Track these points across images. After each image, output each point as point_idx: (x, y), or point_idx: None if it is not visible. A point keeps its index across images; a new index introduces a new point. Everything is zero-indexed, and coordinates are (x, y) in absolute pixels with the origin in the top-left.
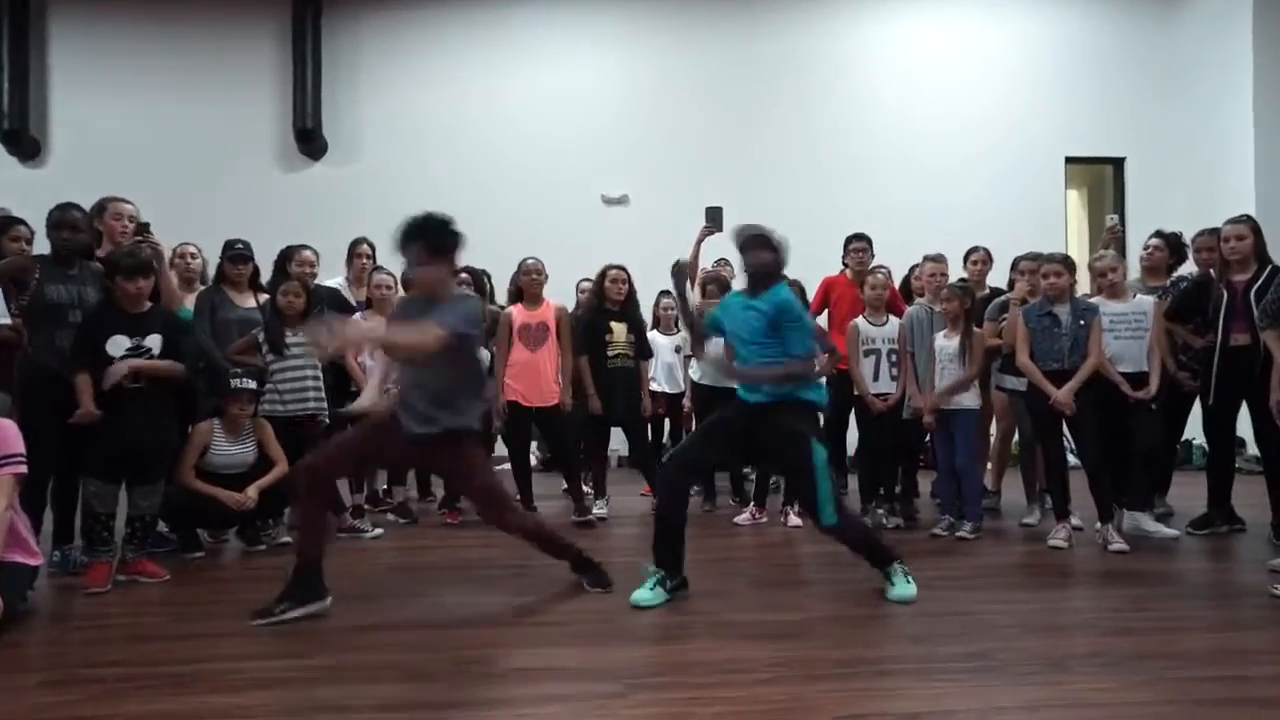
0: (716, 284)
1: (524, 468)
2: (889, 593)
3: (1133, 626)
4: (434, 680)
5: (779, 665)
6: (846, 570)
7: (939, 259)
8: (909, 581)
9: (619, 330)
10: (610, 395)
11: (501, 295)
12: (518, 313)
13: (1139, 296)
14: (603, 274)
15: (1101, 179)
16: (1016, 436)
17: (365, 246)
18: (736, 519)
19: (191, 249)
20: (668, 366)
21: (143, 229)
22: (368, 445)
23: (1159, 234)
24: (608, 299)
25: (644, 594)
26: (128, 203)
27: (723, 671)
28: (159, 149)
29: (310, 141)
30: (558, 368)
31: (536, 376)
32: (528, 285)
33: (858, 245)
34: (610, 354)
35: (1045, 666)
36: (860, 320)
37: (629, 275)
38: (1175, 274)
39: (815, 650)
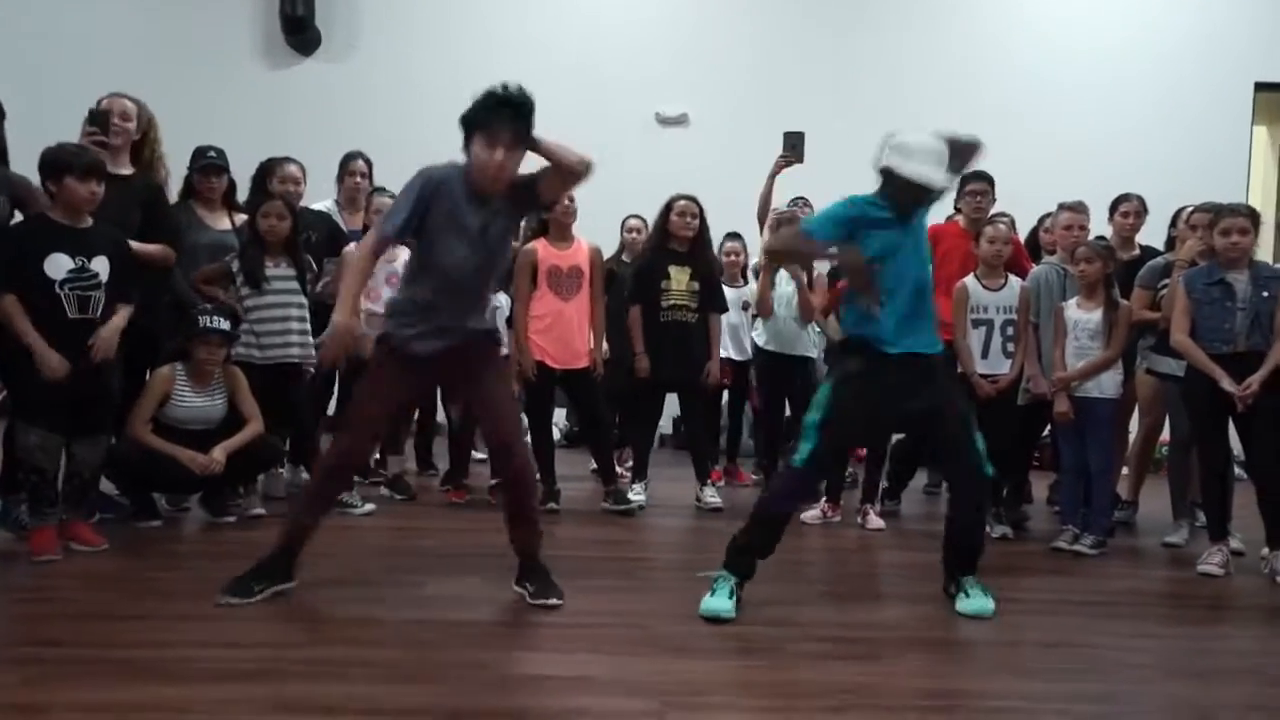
0: (791, 225)
1: (547, 443)
2: (963, 604)
3: None
4: (430, 683)
5: (849, 692)
6: (937, 584)
7: (1078, 208)
8: (986, 594)
9: (678, 276)
10: (659, 354)
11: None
12: (544, 251)
13: None
14: (668, 206)
15: None
16: (1166, 434)
17: (360, 163)
18: (804, 515)
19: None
20: (733, 328)
21: (100, 118)
22: (391, 402)
23: None
24: (673, 236)
25: (723, 603)
26: (124, 96)
27: (782, 695)
28: (122, 40)
29: (300, 33)
30: (589, 321)
31: (567, 332)
32: (556, 216)
33: (976, 187)
34: (664, 304)
35: (1189, 718)
36: (970, 280)
37: (702, 209)
38: None
39: (895, 678)
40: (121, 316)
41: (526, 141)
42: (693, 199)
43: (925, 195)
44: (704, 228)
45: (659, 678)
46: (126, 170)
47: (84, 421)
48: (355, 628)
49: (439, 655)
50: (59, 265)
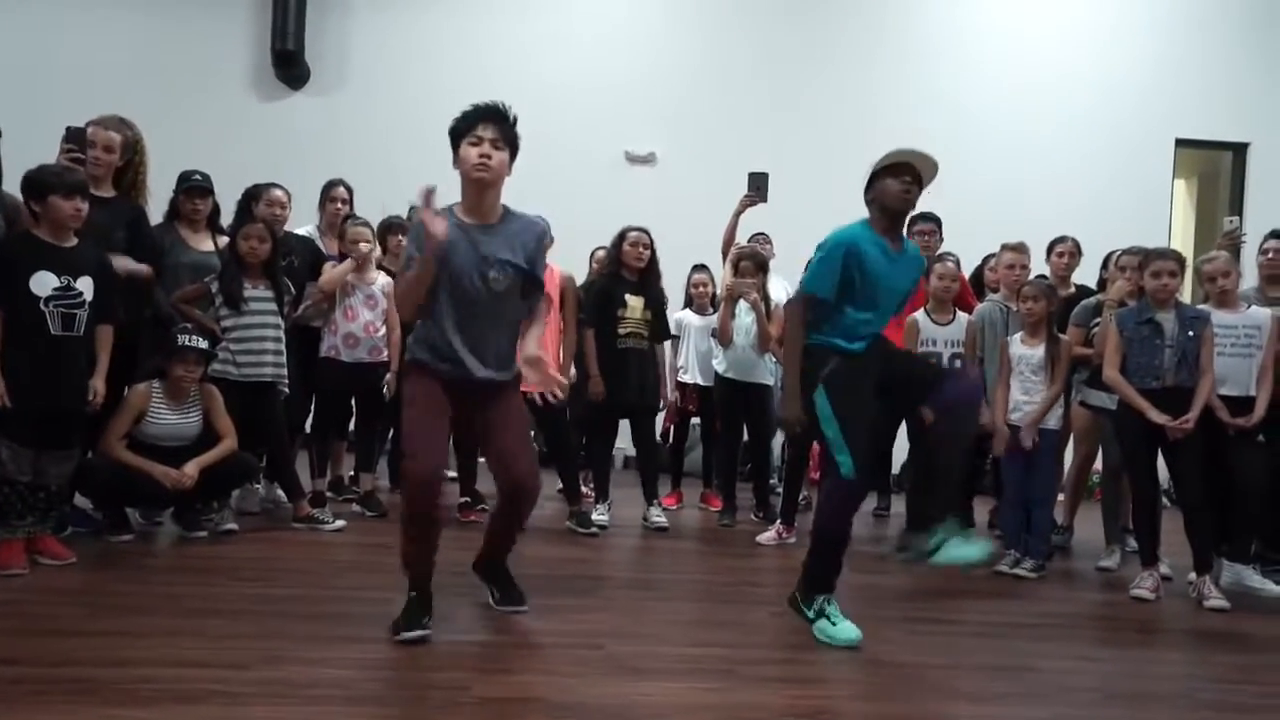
0: (753, 261)
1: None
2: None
3: (1238, 701)
4: (388, 706)
5: (802, 718)
6: (889, 606)
7: (1020, 249)
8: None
9: (634, 304)
10: (619, 379)
11: None
12: None
13: (1253, 308)
14: (621, 236)
15: (1216, 168)
16: (1098, 464)
17: (341, 190)
18: (760, 537)
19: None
20: (702, 355)
21: (75, 135)
22: (446, 419)
23: (1276, 233)
24: (625, 266)
25: (852, 630)
26: (106, 128)
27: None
28: (115, 70)
29: (290, 67)
30: (559, 347)
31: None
32: None
33: (923, 227)
34: (621, 331)
35: None
36: (920, 315)
37: (652, 240)
38: None
39: (847, 701)
40: (104, 359)
41: (510, 142)
42: (644, 230)
43: (902, 199)
44: (654, 257)
45: (612, 701)
46: (109, 193)
47: (54, 436)
48: (313, 646)
49: (395, 676)
50: (44, 283)
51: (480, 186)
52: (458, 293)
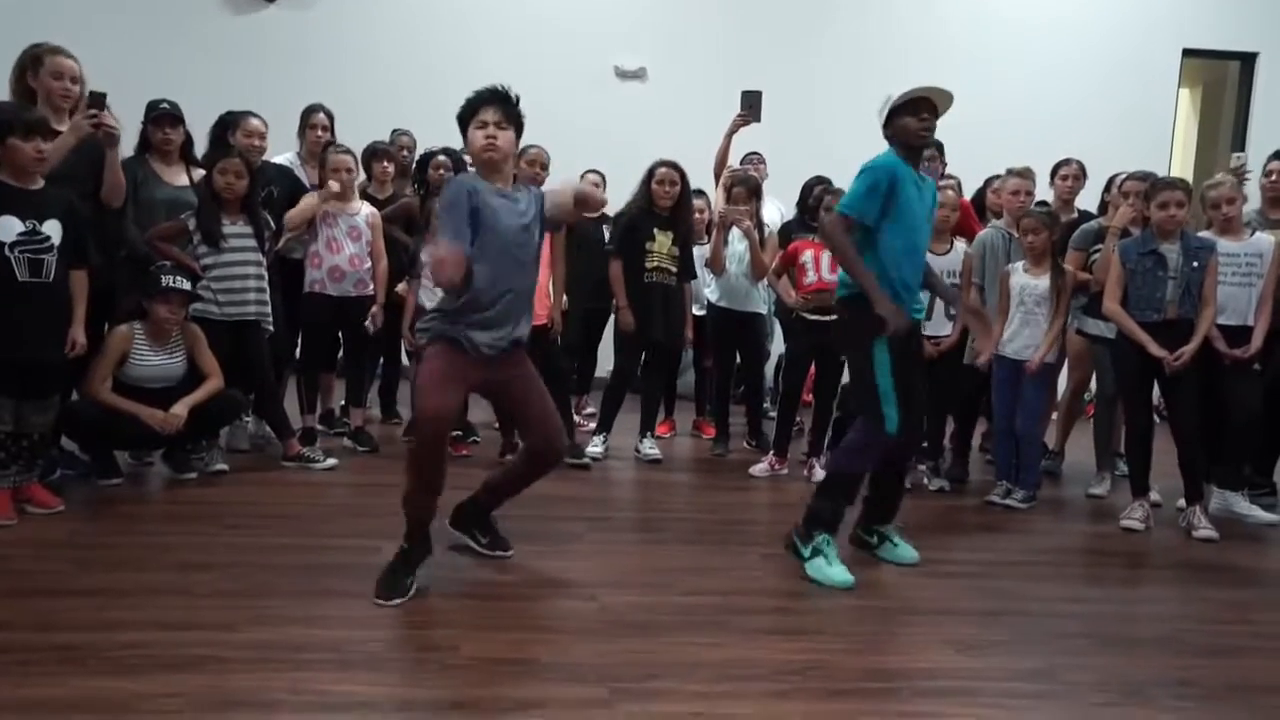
0: (745, 187)
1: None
2: (891, 553)
3: (1228, 645)
4: (379, 672)
5: (794, 674)
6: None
7: (1026, 174)
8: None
9: (662, 240)
10: (645, 313)
11: None
12: None
13: (1257, 234)
14: (650, 173)
15: (1223, 77)
16: (1092, 389)
17: (321, 116)
18: (752, 469)
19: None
20: (695, 282)
21: (97, 100)
22: (464, 384)
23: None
24: (655, 203)
25: (843, 572)
26: (69, 57)
27: (728, 679)
28: None
29: None
30: (550, 276)
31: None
32: (524, 176)
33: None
34: (648, 265)
35: (1122, 695)
36: None
37: (683, 175)
38: None
39: (840, 655)
40: (81, 308)
41: (514, 120)
42: (674, 165)
43: (920, 136)
44: (685, 192)
45: (606, 659)
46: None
47: (31, 385)
48: (303, 604)
49: (384, 635)
50: (9, 228)
51: (491, 165)
52: (505, 252)
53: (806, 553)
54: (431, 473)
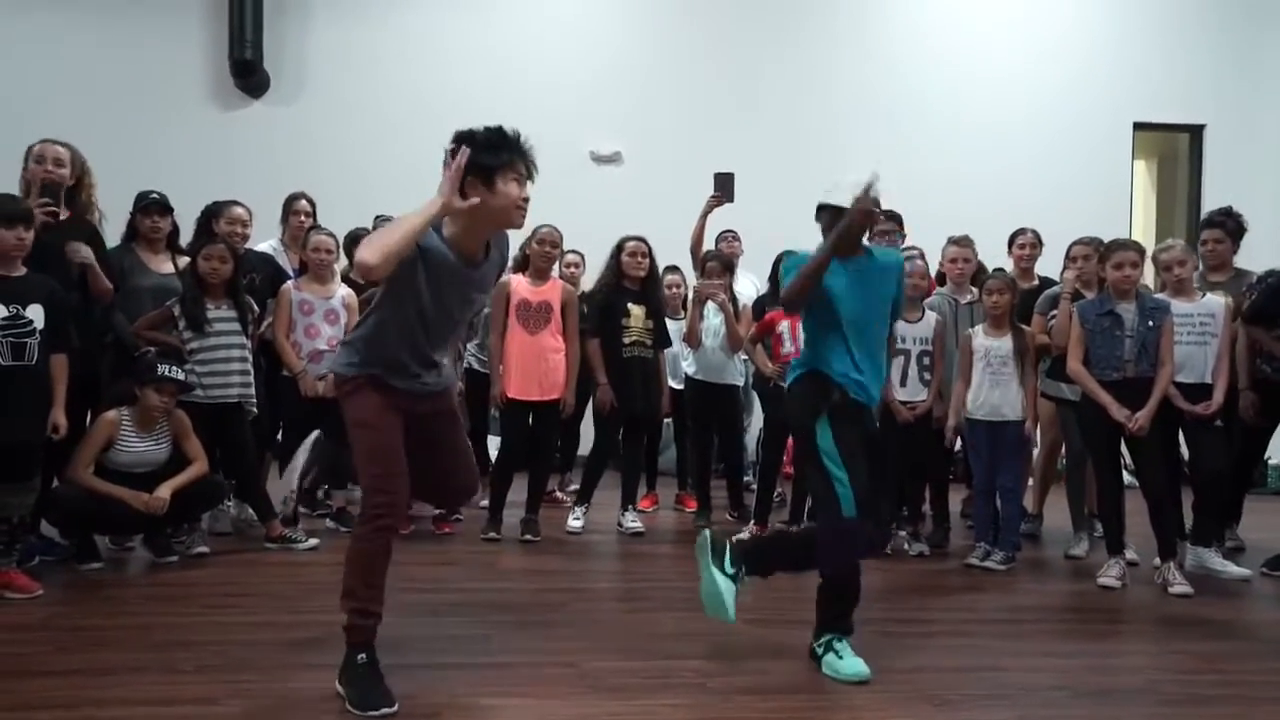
0: (719, 262)
1: (507, 475)
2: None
3: (1203, 694)
4: None
5: None
6: (862, 607)
7: (963, 242)
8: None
9: (637, 313)
10: (626, 388)
11: None
12: (518, 285)
13: (1208, 296)
14: (619, 247)
15: (1175, 149)
16: (1063, 452)
17: (304, 203)
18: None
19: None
20: (673, 357)
21: (52, 189)
22: (403, 439)
23: (1210, 221)
24: (625, 277)
25: (860, 665)
26: (56, 143)
27: None
28: (68, 82)
29: (249, 75)
30: (563, 356)
31: (539, 364)
32: (538, 257)
33: (884, 226)
34: (626, 340)
35: None
36: None
37: (650, 249)
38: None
39: (816, 712)
40: (61, 390)
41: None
42: (642, 239)
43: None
44: (654, 266)
45: None
46: (61, 215)
47: (10, 468)
48: (281, 675)
49: None
50: None
51: (499, 227)
52: (436, 320)
53: (820, 650)
54: (380, 564)
